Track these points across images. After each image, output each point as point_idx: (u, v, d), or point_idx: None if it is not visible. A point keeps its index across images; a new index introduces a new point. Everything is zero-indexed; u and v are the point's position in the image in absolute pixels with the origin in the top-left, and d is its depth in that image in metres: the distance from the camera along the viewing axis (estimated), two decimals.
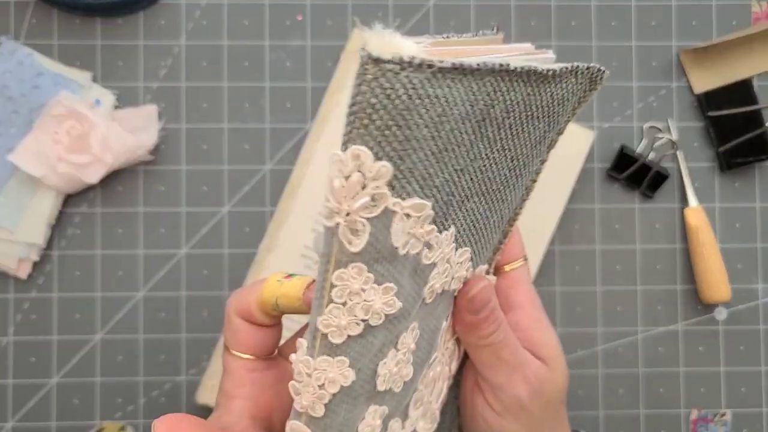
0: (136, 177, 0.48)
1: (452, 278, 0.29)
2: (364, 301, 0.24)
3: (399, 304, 0.25)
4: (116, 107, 0.47)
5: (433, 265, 0.27)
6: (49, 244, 0.47)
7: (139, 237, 0.48)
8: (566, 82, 0.28)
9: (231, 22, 0.48)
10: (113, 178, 0.47)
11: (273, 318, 0.30)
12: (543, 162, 0.31)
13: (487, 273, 0.32)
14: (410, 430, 0.30)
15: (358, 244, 0.23)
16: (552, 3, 0.49)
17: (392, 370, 0.27)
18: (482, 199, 0.28)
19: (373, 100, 0.21)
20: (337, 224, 0.23)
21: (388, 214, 0.24)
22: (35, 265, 0.47)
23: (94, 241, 0.48)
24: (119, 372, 0.47)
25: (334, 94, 0.47)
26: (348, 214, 0.23)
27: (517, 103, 0.27)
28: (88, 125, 0.44)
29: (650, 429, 0.49)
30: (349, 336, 0.25)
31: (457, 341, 0.32)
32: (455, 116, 0.24)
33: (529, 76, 0.26)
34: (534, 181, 0.31)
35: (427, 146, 0.24)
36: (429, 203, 0.25)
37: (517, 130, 0.28)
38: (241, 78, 0.48)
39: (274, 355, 0.31)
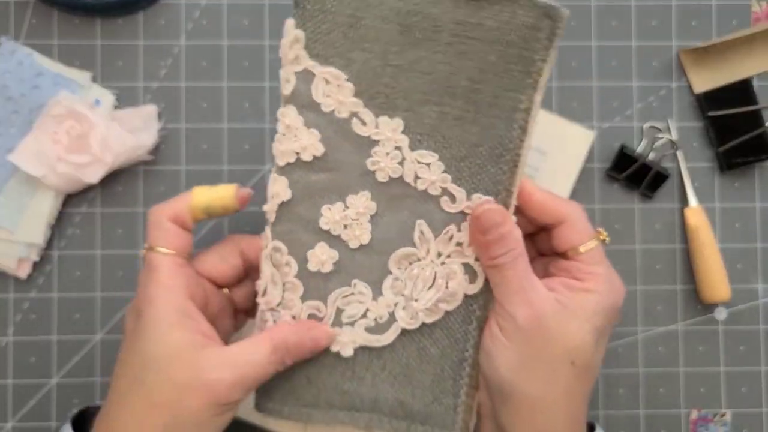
0: (136, 177, 0.48)
1: (415, 175, 0.35)
2: (295, 136, 0.35)
3: (322, 149, 0.35)
4: (116, 107, 0.47)
5: (373, 141, 0.35)
6: (49, 244, 0.47)
7: (139, 237, 0.48)
8: (507, 9, 0.33)
9: (231, 22, 0.48)
10: (113, 178, 0.47)
11: (195, 222, 0.36)
12: (531, 102, 0.34)
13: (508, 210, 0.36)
14: (385, 311, 0.36)
15: (288, 89, 0.35)
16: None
17: (335, 218, 0.36)
18: (445, 110, 0.35)
19: None
20: (280, 74, 0.35)
21: (309, 73, 0.35)
22: (35, 265, 0.47)
23: (94, 241, 0.48)
24: None
25: None
26: (283, 67, 0.35)
27: (447, 21, 0.34)
28: (87, 125, 0.44)
29: (650, 429, 0.49)
30: (288, 162, 0.35)
31: (466, 268, 0.36)
32: (374, 15, 0.34)
33: None
34: (526, 121, 0.34)
35: (347, 30, 0.34)
36: (345, 75, 0.34)
37: (461, 49, 0.34)
38: (240, 78, 0.48)
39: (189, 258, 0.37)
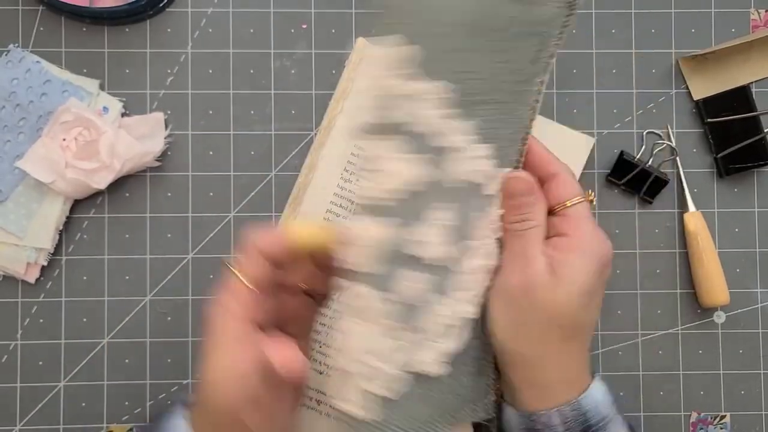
0: (143, 183, 0.48)
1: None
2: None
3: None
4: (123, 114, 0.48)
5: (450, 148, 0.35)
6: (57, 248, 0.48)
7: (146, 242, 0.48)
8: (549, 4, 0.36)
9: (237, 31, 0.49)
10: (121, 183, 0.48)
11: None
12: (542, 83, 0.36)
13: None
14: (452, 309, 0.36)
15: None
16: None
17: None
18: (498, 105, 0.36)
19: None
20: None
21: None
22: (43, 269, 0.48)
23: (102, 246, 0.48)
24: (126, 375, 0.48)
25: (338, 101, 0.47)
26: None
27: (511, 17, 0.35)
28: (95, 132, 0.45)
29: (650, 431, 0.49)
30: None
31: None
32: (450, 21, 0.35)
33: None
34: (537, 101, 0.36)
35: (431, 39, 0.35)
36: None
37: (516, 43, 0.35)
38: (246, 85, 0.49)
39: None
